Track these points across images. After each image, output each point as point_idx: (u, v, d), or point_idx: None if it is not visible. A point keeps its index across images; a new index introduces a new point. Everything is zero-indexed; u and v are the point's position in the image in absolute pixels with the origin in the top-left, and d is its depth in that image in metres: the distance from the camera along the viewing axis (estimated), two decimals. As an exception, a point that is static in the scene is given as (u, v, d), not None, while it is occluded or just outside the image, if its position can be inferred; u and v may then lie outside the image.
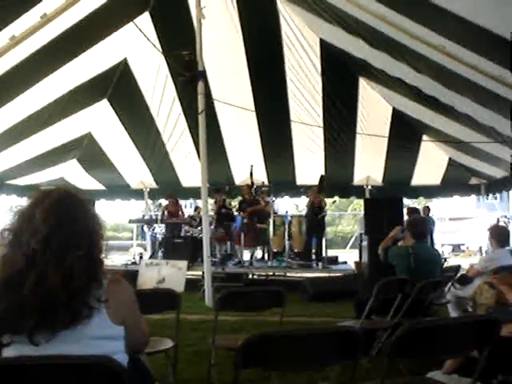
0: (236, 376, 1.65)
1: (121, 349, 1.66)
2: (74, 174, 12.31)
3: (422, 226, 4.76)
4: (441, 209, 20.10)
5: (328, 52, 8.32)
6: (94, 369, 1.46)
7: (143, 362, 1.97)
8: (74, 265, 1.53)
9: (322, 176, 10.22)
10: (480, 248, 14.88)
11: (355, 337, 1.74)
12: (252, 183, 10.53)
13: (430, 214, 12.46)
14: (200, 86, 7.43)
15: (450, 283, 4.83)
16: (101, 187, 13.25)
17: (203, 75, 7.54)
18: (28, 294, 1.48)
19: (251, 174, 10.37)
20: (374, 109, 9.43)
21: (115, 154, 11.70)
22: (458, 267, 5.28)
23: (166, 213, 11.15)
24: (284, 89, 9.32)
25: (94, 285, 1.59)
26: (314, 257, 10.10)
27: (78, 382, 1.47)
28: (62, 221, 1.58)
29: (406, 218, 8.71)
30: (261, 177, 11.80)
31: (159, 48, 8.37)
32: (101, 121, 10.56)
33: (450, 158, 10.69)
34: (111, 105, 10.10)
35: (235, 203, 11.27)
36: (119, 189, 13.37)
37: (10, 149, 9.95)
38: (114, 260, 11.66)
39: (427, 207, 12.73)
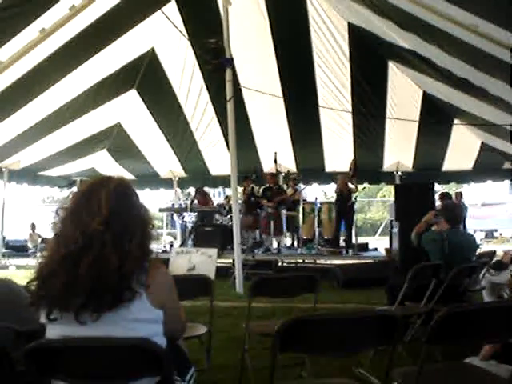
0: (273, 360, 1.65)
1: (159, 332, 1.68)
2: (104, 164, 12.48)
3: (456, 211, 4.66)
4: (473, 194, 19.71)
5: (356, 36, 8.20)
6: (135, 350, 1.49)
7: (181, 346, 1.98)
8: (130, 250, 1.58)
9: (355, 160, 10.06)
10: (514, 234, 14.58)
11: (393, 321, 1.71)
12: (277, 171, 10.48)
13: (463, 200, 12.22)
14: (228, 73, 7.41)
15: (484, 269, 4.73)
16: (130, 177, 13.40)
17: (231, 62, 7.50)
18: (83, 273, 1.52)
19: (275, 161, 10.32)
20: (404, 93, 9.26)
21: (144, 143, 11.83)
22: (493, 253, 5.17)
23: (195, 201, 11.24)
24: (312, 74, 9.23)
25: (140, 271, 1.62)
26: (343, 243, 10.06)
27: (119, 363, 1.51)
28: (121, 207, 1.64)
29: (437, 203, 8.57)
30: (289, 164, 11.77)
31: (186, 36, 8.37)
32: (130, 111, 10.66)
33: (482, 142, 10.44)
34: (139, 94, 10.19)
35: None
36: (149, 178, 13.52)
37: (42, 140, 10.16)
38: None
39: (459, 193, 12.47)
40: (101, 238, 1.56)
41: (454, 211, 4.59)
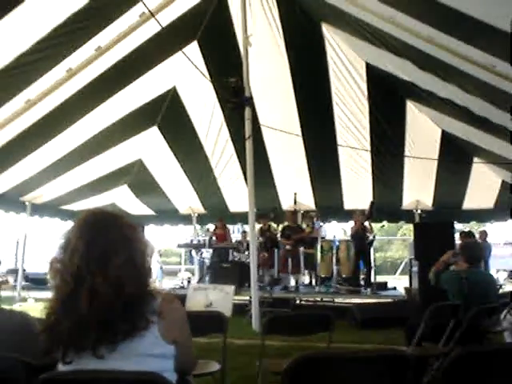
0: (283, 398, 1.63)
1: (170, 367, 1.68)
2: (124, 199, 12.63)
3: (475, 250, 4.62)
4: (495, 233, 19.33)
5: (374, 75, 8.29)
6: (145, 384, 1.49)
7: (190, 382, 1.98)
8: (119, 273, 1.59)
9: (372, 202, 10.08)
10: (537, 274, 14.23)
11: (405, 361, 1.69)
12: (295, 210, 10.48)
13: (487, 239, 11.99)
14: (247, 111, 7.52)
15: (506, 310, 4.64)
16: (150, 212, 13.55)
17: (250, 101, 7.64)
18: (85, 311, 1.54)
19: (295, 201, 10.32)
20: (423, 131, 9.28)
21: (164, 179, 11.97)
22: (515, 293, 5.07)
23: (213, 237, 11.26)
24: (330, 113, 9.32)
25: (148, 298, 1.64)
26: (362, 282, 9.95)
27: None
28: (96, 233, 1.65)
29: (458, 242, 8.46)
30: (308, 202, 11.78)
31: (207, 76, 8.57)
32: (151, 147, 10.84)
33: (503, 181, 10.35)
34: (161, 132, 10.38)
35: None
36: (168, 214, 13.62)
37: (65, 175, 10.36)
38: (162, 284, 11.84)
39: (484, 231, 12.22)
40: (86, 271, 1.58)
41: (473, 250, 4.54)
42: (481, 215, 11.99)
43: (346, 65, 8.34)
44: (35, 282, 12.81)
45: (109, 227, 1.69)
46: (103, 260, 1.60)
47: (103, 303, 1.55)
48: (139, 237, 1.74)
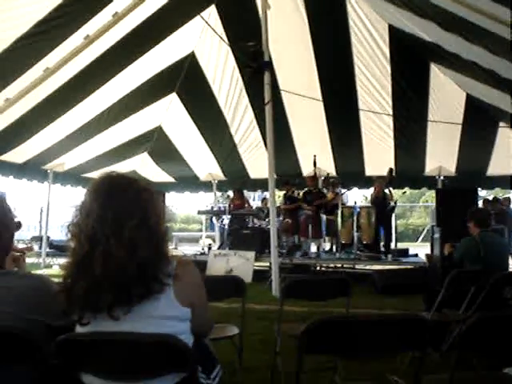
0: (299, 361, 1.63)
1: (186, 330, 1.69)
2: (145, 166, 12.69)
3: (484, 213, 4.63)
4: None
5: (397, 38, 8.06)
6: (161, 346, 1.51)
7: (208, 344, 1.99)
8: (133, 235, 1.59)
9: (390, 169, 9.93)
10: None
11: (422, 325, 1.67)
12: (315, 174, 10.39)
13: (511, 206, 11.80)
14: (266, 76, 7.42)
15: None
16: (171, 180, 13.62)
17: (269, 65, 7.52)
18: (99, 273, 1.55)
19: (315, 163, 10.19)
20: (447, 95, 9.04)
21: (184, 146, 11.99)
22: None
23: (232, 206, 11.29)
24: (352, 77, 9.13)
25: (162, 261, 1.64)
26: (382, 249, 9.92)
27: (145, 358, 1.53)
28: (110, 195, 1.65)
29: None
30: (329, 168, 11.66)
31: (226, 40, 8.45)
32: (170, 114, 10.84)
33: (529, 146, 10.11)
34: (180, 98, 10.33)
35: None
36: (188, 181, 13.68)
37: (86, 143, 10.43)
38: (184, 251, 11.99)
39: (508, 198, 12.03)
40: (101, 234, 1.58)
41: (483, 214, 4.54)
42: (505, 182, 11.72)
43: (368, 27, 8.12)
44: (59, 249, 13.00)
45: (123, 190, 1.68)
46: (117, 222, 1.60)
47: (117, 265, 1.56)
48: (154, 200, 1.73)
